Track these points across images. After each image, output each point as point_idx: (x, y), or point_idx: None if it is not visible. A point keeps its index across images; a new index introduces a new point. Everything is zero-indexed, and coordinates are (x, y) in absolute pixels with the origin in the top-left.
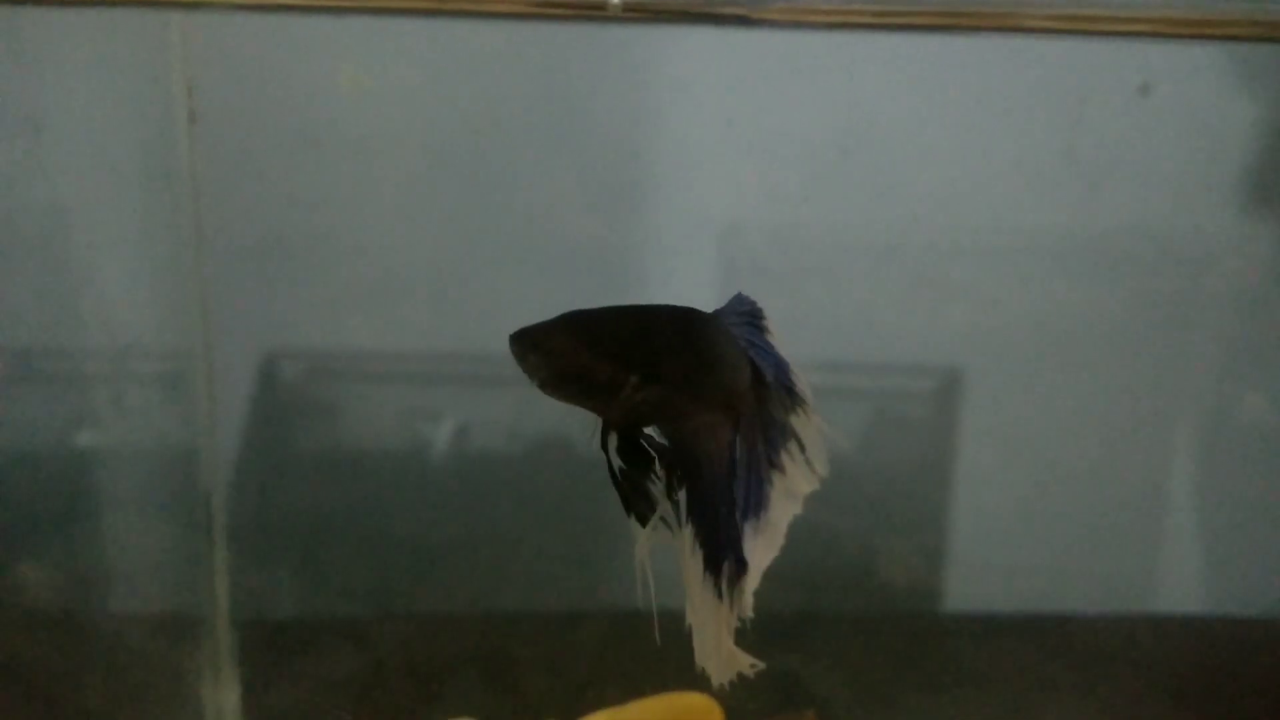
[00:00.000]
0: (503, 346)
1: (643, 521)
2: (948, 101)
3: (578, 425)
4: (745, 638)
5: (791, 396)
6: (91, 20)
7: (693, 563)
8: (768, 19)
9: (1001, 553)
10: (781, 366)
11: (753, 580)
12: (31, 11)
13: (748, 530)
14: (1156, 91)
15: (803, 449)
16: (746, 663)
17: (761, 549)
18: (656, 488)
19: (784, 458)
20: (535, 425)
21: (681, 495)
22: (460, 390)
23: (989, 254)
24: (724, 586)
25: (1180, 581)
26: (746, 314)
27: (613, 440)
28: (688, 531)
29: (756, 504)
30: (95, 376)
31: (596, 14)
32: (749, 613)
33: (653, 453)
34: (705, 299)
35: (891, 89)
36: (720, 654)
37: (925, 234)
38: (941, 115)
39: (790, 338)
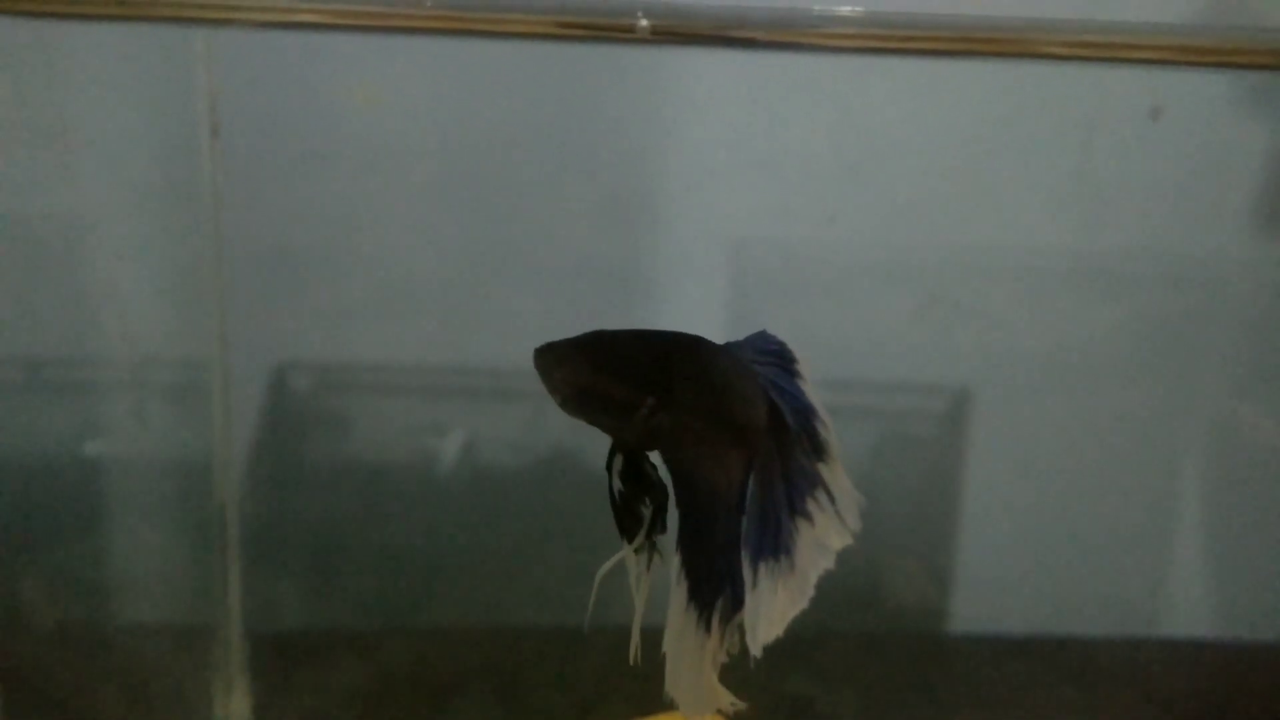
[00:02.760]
0: (514, 361)
1: (630, 541)
2: (959, 121)
3: (587, 441)
4: (751, 660)
5: (814, 443)
6: (117, 34)
7: (677, 591)
8: (784, 42)
9: (1009, 573)
10: (806, 412)
11: (774, 628)
12: (58, 25)
13: (762, 571)
14: (1166, 114)
15: (832, 500)
16: (727, 700)
17: (786, 598)
18: (645, 516)
19: (810, 506)
20: (545, 440)
21: (663, 530)
22: (472, 404)
23: (999, 274)
24: (715, 620)
25: (1188, 604)
26: (774, 354)
27: (618, 462)
28: (676, 559)
29: (774, 547)
30: (112, 386)
31: (624, 36)
32: (757, 653)
33: (650, 483)
34: (714, 315)
35: (903, 108)
36: (700, 688)
37: (935, 253)
38: (953, 135)
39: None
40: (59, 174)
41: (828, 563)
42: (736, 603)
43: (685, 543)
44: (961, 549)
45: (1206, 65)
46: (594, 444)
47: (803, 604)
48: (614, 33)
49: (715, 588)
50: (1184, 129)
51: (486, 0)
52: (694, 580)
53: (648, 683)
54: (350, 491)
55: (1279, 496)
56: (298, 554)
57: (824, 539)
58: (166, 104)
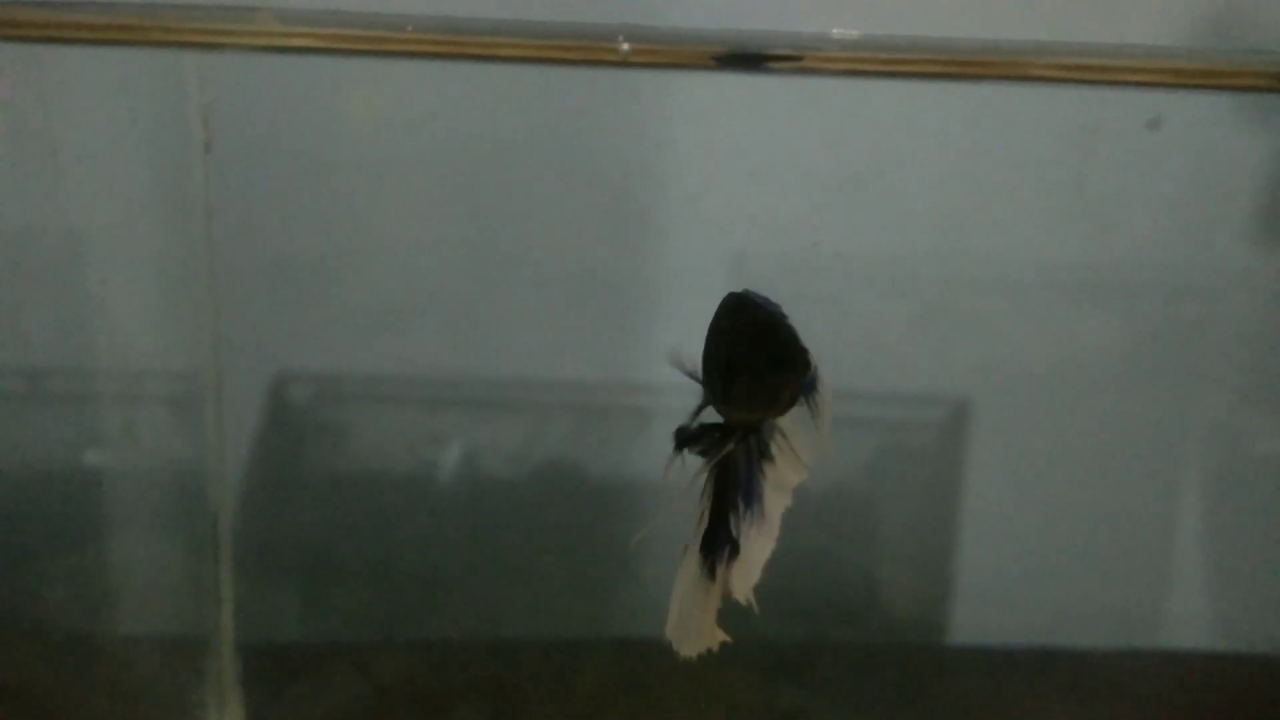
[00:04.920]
0: (512, 373)
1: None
2: (957, 131)
3: (586, 453)
4: (748, 663)
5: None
6: (108, 50)
7: (694, 540)
8: (777, 68)
9: (1008, 585)
10: None
11: (753, 573)
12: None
13: (745, 519)
14: (1166, 124)
15: (786, 439)
16: (718, 639)
17: (759, 541)
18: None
19: (773, 449)
20: (544, 452)
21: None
22: (469, 416)
23: (998, 285)
24: (719, 569)
25: (1190, 617)
26: None
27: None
28: (704, 506)
29: (747, 496)
30: (105, 398)
31: (606, 59)
32: (747, 599)
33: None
34: None
35: (902, 119)
36: (701, 627)
37: (934, 264)
38: (951, 145)
39: None
40: (51, 189)
41: (787, 500)
42: (734, 552)
43: (713, 490)
44: (959, 560)
45: (1203, 88)
46: (593, 457)
47: (771, 545)
48: (595, 55)
49: (722, 538)
50: (1184, 139)
51: (471, 25)
52: (711, 527)
53: (646, 696)
54: (345, 503)
55: None
56: (292, 566)
57: (782, 478)
58: (159, 118)
